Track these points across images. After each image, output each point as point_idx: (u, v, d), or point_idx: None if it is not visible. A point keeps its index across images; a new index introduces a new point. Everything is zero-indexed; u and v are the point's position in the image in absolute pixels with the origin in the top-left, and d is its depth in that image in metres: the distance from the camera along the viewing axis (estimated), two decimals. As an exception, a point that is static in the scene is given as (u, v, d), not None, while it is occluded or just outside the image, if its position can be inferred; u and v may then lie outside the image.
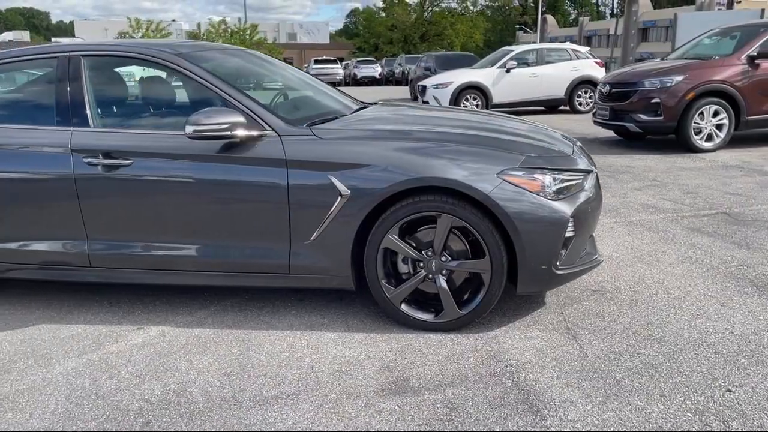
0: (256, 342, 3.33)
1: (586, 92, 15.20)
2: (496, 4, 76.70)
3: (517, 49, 15.65)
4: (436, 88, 14.46)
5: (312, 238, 3.34)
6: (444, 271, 3.31)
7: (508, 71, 14.67)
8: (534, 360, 3.01)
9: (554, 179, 3.22)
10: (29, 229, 3.63)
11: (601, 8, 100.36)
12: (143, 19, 53.19)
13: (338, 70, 38.53)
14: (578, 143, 3.88)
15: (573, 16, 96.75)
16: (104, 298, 4.00)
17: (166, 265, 3.55)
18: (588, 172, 3.42)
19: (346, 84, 36.64)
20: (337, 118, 3.75)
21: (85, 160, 3.46)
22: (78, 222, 3.55)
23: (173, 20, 56.38)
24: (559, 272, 3.24)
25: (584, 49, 16.28)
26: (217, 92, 3.46)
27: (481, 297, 3.27)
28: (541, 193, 3.16)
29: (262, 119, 3.38)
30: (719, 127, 8.90)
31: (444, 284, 3.29)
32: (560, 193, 3.21)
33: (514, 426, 2.51)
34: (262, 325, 3.54)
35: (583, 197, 3.30)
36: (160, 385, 2.94)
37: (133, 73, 4.44)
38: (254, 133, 3.34)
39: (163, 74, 3.86)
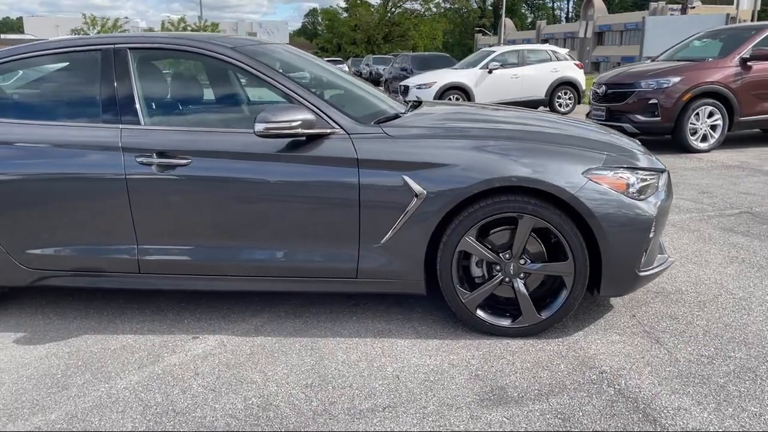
0: (326, 350, 3.17)
1: (565, 93, 15.30)
2: (455, 5, 77.17)
3: (498, 50, 15.67)
4: (419, 88, 14.36)
5: (383, 241, 3.19)
6: (521, 275, 3.19)
7: (490, 72, 14.67)
8: (627, 366, 2.92)
9: (637, 178, 3.14)
10: (72, 234, 3.38)
11: (557, 12, 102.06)
12: (96, 15, 51.69)
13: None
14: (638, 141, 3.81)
15: (530, 20, 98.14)
16: (143, 306, 3.78)
17: (223, 270, 3.36)
18: (662, 171, 3.35)
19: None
20: (398, 116, 3.60)
21: (138, 160, 3.24)
22: (128, 226, 3.32)
23: (126, 18, 55.00)
24: (641, 274, 3.16)
25: (563, 51, 16.40)
26: (281, 88, 3.28)
27: (563, 301, 3.17)
28: (626, 193, 3.07)
29: (329, 117, 3.22)
30: (713, 127, 9.01)
31: (523, 288, 3.18)
32: (642, 193, 3.13)
33: (635, 436, 2.41)
34: (325, 332, 3.38)
35: (661, 196, 3.23)
36: (240, 398, 2.76)
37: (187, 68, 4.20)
38: (324, 131, 3.18)
39: (217, 68, 3.65)
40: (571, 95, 15.29)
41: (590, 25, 42.48)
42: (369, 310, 3.62)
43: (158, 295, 3.90)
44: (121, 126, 3.31)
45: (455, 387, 2.79)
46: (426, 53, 26.30)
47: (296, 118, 3.08)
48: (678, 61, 9.78)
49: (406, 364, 3.00)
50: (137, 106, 3.34)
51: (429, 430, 2.48)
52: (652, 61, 10.76)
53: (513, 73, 14.91)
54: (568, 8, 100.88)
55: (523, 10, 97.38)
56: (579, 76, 15.40)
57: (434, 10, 57.73)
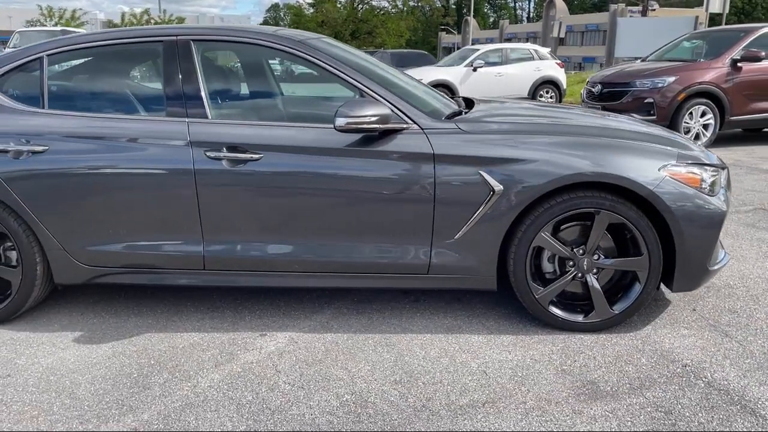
0: (401, 347, 3.15)
1: (547, 92, 15.50)
2: (419, 3, 77.39)
3: (482, 48, 15.79)
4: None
5: (456, 237, 3.19)
6: (594, 270, 3.23)
7: (474, 70, 14.77)
8: (706, 359, 2.97)
9: (707, 174, 3.20)
10: (134, 230, 3.30)
11: (519, 12, 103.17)
12: (52, 7, 50.28)
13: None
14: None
15: (492, 19, 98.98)
16: (198, 303, 3.71)
17: (291, 266, 3.31)
18: (723, 167, 3.41)
19: (284, 80, 35.90)
20: (462, 112, 3.59)
21: (208, 154, 3.17)
22: (194, 222, 3.25)
23: (81, 9, 53.65)
24: (711, 269, 3.23)
25: (545, 50, 16.60)
26: (354, 83, 3.25)
27: (636, 296, 3.21)
28: (700, 189, 3.13)
29: (403, 112, 3.20)
30: (706, 126, 9.23)
31: (596, 283, 3.21)
32: (712, 188, 3.19)
33: (740, 427, 2.45)
34: (394, 328, 3.36)
35: (725, 192, 3.29)
36: (332, 396, 2.73)
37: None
38: (399, 126, 3.16)
39: (278, 61, 3.60)
40: (553, 93, 15.50)
41: (562, 25, 42.99)
42: (430, 306, 3.62)
43: (211, 292, 3.83)
44: (187, 120, 3.24)
45: (546, 382, 2.81)
46: (405, 50, 26.31)
47: (375, 113, 3.05)
48: (669, 61, 9.98)
49: (488, 360, 3.01)
50: (204, 99, 3.27)
51: (536, 425, 2.49)
52: (642, 61, 10.95)
53: (497, 72, 15.05)
54: (529, 8, 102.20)
55: (485, 9, 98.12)
56: (560, 75, 15.62)
57: (401, 6, 57.76)
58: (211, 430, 2.50)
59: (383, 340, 3.22)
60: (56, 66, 3.49)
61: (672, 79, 9.09)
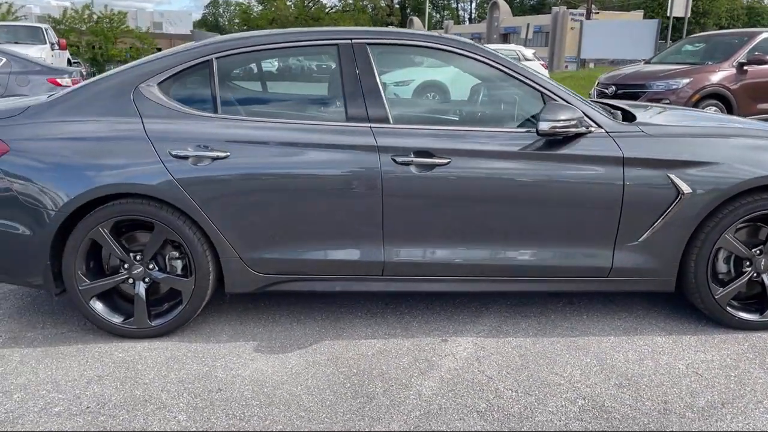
0: (596, 350, 3.16)
1: (533, 92, 15.73)
2: (364, 2, 77.35)
3: (470, 48, 15.91)
4: (397, 85, 14.35)
5: (641, 239, 3.23)
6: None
7: (465, 70, 14.86)
8: None
9: None
10: (313, 237, 3.21)
11: (461, 13, 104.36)
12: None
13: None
14: None
15: (435, 20, 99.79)
16: (360, 309, 3.64)
17: (473, 272, 3.28)
18: None
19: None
20: (631, 115, 3.61)
21: (397, 159, 3.12)
22: (375, 227, 3.19)
23: (14, 2, 51.32)
24: None
25: (530, 51, 16.87)
26: (539, 88, 3.26)
27: (813, 293, 3.31)
28: None
29: (588, 115, 3.22)
30: (716, 127, 9.56)
31: (770, 282, 3.31)
32: None
33: None
34: (572, 332, 3.37)
35: None
36: (566, 401, 2.72)
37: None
38: (587, 129, 3.18)
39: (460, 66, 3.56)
40: (539, 94, 15.73)
41: (530, 26, 43.82)
42: (589, 310, 3.65)
43: (370, 297, 3.77)
44: (371, 125, 3.17)
45: (763, 381, 2.87)
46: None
47: (571, 116, 3.07)
48: (677, 64, 10.30)
49: (690, 361, 3.05)
50: (384, 103, 3.21)
51: (792, 423, 2.55)
52: (645, 63, 11.27)
53: (485, 72, 15.17)
54: (471, 9, 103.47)
55: (428, 9, 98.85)
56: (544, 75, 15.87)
57: (351, 2, 57.50)
58: (472, 440, 2.47)
59: (570, 344, 3.23)
60: (226, 69, 3.35)
61: (686, 81, 9.39)
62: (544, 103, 3.20)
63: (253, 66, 3.52)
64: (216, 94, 3.23)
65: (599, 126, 3.21)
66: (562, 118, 3.03)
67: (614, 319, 3.52)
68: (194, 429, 2.53)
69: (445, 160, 3.13)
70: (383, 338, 3.29)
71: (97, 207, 3.12)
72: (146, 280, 3.23)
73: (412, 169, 3.12)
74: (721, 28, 63.64)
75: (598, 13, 49.37)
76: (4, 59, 8.35)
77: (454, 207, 3.18)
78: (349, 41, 3.27)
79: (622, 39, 21.23)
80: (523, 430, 2.53)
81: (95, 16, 49.73)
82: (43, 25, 16.69)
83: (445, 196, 3.17)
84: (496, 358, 3.08)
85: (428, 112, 3.58)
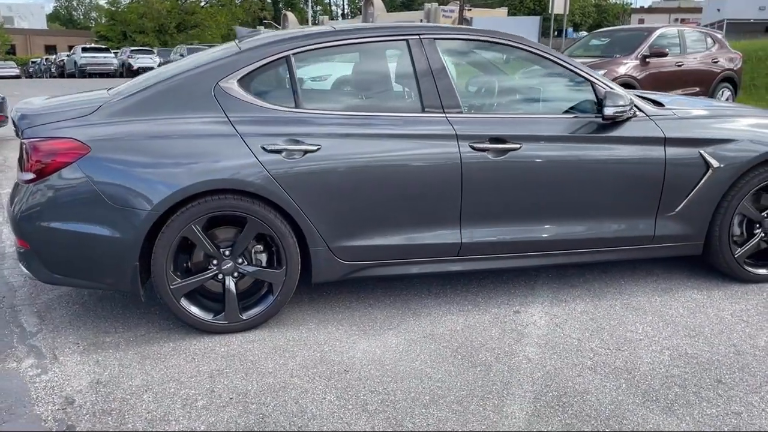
0: (652, 308, 3.58)
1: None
2: (236, -3, 75.98)
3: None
4: (314, 80, 14.44)
5: (677, 210, 3.68)
6: (779, 232, 3.89)
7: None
8: None
9: None
10: (393, 223, 3.39)
11: (333, 8, 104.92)
12: None
13: (112, 60, 35.10)
14: None
15: (309, 15, 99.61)
16: (408, 288, 3.85)
17: (540, 247, 3.60)
18: None
19: (121, 75, 33.48)
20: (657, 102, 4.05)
21: (474, 146, 3.37)
22: (454, 211, 3.43)
23: None
24: None
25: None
26: (591, 79, 3.63)
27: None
28: None
29: (632, 101, 3.63)
30: (626, 114, 10.47)
31: (780, 243, 3.88)
32: None
33: None
34: (617, 295, 3.77)
35: None
36: (654, 353, 3.09)
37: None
38: (637, 114, 3.59)
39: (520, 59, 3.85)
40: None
41: (369, 23, 44.61)
42: (624, 276, 4.07)
43: (424, 280, 3.98)
44: (446, 115, 3.40)
45: (799, 322, 3.39)
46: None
47: (626, 102, 3.47)
48: (587, 57, 11.14)
49: (732, 310, 3.55)
50: (456, 94, 3.45)
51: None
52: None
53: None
54: (343, 4, 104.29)
55: (301, 5, 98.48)
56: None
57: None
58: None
59: (626, 305, 3.64)
60: (303, 64, 3.45)
61: (602, 72, 10.20)
62: (595, 92, 3.57)
63: (329, 61, 3.64)
64: (296, 88, 3.33)
65: (641, 111, 3.62)
66: (621, 103, 3.41)
67: (648, 282, 3.97)
68: (351, 406, 2.66)
69: (517, 145, 3.41)
70: (461, 314, 3.53)
71: (188, 204, 3.13)
72: (235, 274, 3.28)
73: (488, 154, 3.39)
74: (576, 24, 68.20)
75: (470, 10, 51.27)
76: None
77: (524, 188, 3.49)
78: (417, 37, 3.48)
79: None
80: (636, 379, 2.86)
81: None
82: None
83: (517, 178, 3.46)
84: (573, 323, 3.41)
85: (495, 100, 3.86)
